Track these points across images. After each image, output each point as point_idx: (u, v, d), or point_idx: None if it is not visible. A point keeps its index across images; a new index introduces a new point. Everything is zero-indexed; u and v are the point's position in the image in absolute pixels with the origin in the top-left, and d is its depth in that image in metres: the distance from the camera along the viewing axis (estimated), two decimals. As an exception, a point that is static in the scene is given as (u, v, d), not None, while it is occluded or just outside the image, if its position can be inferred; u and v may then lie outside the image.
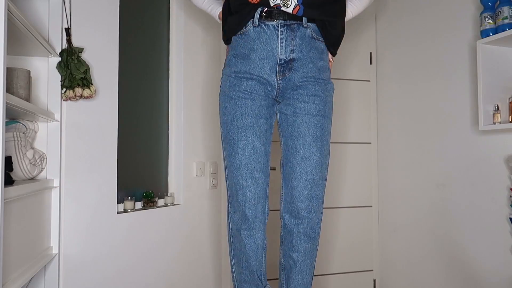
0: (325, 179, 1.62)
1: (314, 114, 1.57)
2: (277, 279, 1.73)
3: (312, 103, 1.57)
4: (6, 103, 1.13)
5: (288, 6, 1.50)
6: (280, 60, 1.53)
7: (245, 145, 1.56)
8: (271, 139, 1.63)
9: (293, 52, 1.53)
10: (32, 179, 1.50)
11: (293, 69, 1.55)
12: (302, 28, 1.53)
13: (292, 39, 1.53)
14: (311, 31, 1.55)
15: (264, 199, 1.61)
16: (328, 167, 1.62)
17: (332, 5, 1.56)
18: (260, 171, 1.58)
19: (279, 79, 1.56)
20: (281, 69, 1.55)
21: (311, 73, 1.57)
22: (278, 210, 1.67)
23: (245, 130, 1.56)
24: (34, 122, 1.54)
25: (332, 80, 1.65)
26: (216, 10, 1.68)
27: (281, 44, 1.53)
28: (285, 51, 1.53)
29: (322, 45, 1.59)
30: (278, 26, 1.52)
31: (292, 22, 1.52)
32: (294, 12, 1.50)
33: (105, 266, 1.75)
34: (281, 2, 1.50)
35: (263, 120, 1.58)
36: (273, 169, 1.70)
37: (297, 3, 1.50)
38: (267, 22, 1.52)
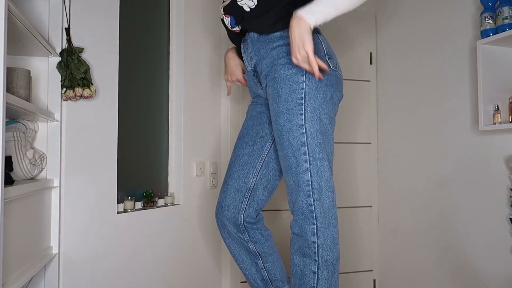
0: (304, 185, 1.37)
1: (273, 117, 1.43)
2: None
3: (271, 106, 1.43)
4: (6, 103, 1.13)
5: (227, 25, 1.55)
6: (251, 72, 1.56)
7: None
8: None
9: (252, 59, 1.53)
10: (32, 179, 1.50)
11: (261, 74, 1.50)
12: (250, 34, 1.52)
13: (247, 48, 1.54)
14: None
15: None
16: (306, 169, 1.36)
17: (263, 16, 1.45)
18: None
19: (261, 88, 1.56)
20: (257, 79, 1.56)
21: (266, 71, 1.45)
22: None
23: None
24: (34, 122, 1.54)
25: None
26: None
27: (245, 58, 1.56)
28: (248, 63, 1.55)
29: (277, 33, 1.42)
30: (241, 43, 1.58)
31: (244, 35, 1.55)
32: (237, 31, 1.55)
33: (105, 266, 1.75)
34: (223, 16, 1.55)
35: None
36: None
37: (231, 24, 1.54)
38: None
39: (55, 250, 1.58)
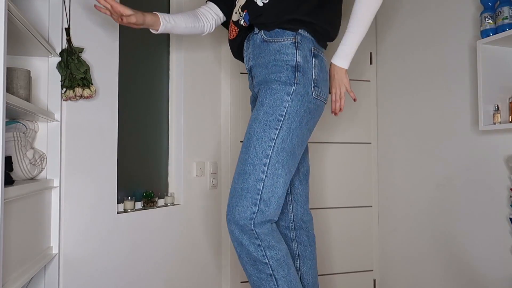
0: (254, 192, 1.38)
1: (250, 121, 1.47)
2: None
3: (253, 110, 1.50)
4: (6, 103, 1.13)
5: (240, 20, 1.57)
6: (248, 70, 1.60)
7: None
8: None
9: (250, 61, 1.57)
10: (32, 179, 1.50)
11: (255, 76, 1.55)
12: (254, 35, 1.55)
13: (248, 48, 1.58)
14: (261, 35, 1.52)
15: None
16: (261, 179, 1.38)
17: (275, 6, 1.49)
18: None
19: (254, 88, 1.59)
20: (251, 79, 1.60)
21: (259, 78, 1.50)
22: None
23: None
24: (34, 122, 1.54)
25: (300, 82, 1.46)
26: None
27: (245, 56, 1.60)
28: (247, 62, 1.59)
29: (277, 46, 1.48)
30: (244, 40, 1.61)
31: (249, 33, 1.58)
32: (245, 25, 1.56)
33: (105, 266, 1.75)
34: (239, 17, 1.57)
35: None
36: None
37: (244, 19, 1.55)
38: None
39: (55, 250, 1.58)
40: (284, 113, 1.41)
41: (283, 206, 1.61)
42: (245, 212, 1.36)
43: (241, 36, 1.61)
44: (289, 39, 1.47)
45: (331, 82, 1.57)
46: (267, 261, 1.38)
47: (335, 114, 1.59)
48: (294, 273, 1.43)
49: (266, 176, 1.38)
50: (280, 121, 1.40)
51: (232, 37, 1.64)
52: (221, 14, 1.74)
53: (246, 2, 1.54)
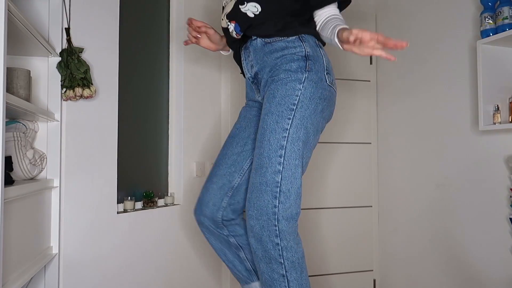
0: (273, 185, 1.36)
1: (262, 115, 1.43)
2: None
3: (264, 105, 1.44)
4: (6, 103, 1.13)
5: (231, 32, 1.52)
6: (249, 79, 1.56)
7: None
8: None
9: (253, 67, 1.52)
10: (32, 179, 1.50)
11: (260, 82, 1.51)
12: (252, 41, 1.50)
13: (248, 56, 1.53)
14: (261, 39, 1.47)
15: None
16: (278, 171, 1.36)
17: (268, 22, 1.46)
18: None
19: (259, 96, 1.56)
20: (255, 87, 1.56)
21: (266, 79, 1.47)
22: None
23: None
24: (34, 122, 1.54)
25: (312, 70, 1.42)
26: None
27: (245, 65, 1.55)
28: (248, 70, 1.54)
29: (282, 43, 1.44)
30: (241, 49, 1.55)
31: (244, 42, 1.53)
32: (237, 36, 1.52)
33: (105, 266, 1.75)
34: (227, 25, 1.53)
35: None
36: None
37: (235, 31, 1.51)
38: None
39: (55, 250, 1.58)
40: (296, 102, 1.37)
41: (214, 207, 1.57)
42: (267, 207, 1.34)
43: (234, 45, 1.58)
44: (293, 37, 1.44)
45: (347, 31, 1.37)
46: (282, 261, 1.36)
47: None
48: (306, 277, 1.42)
49: (283, 167, 1.35)
50: (293, 110, 1.36)
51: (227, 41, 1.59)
52: None
53: (232, 10, 1.48)
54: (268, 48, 1.47)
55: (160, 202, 2.08)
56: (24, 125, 1.48)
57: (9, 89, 1.38)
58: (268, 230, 1.35)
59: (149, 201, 1.98)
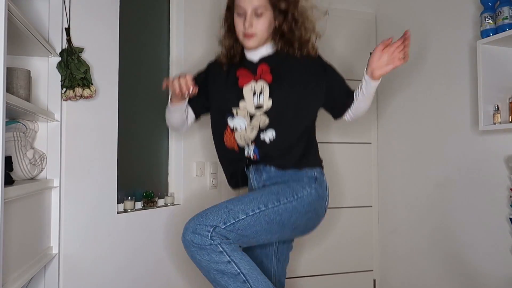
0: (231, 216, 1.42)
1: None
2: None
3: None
4: (6, 103, 1.13)
5: (248, 152, 1.58)
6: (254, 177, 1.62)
7: None
8: None
9: (261, 182, 1.59)
10: (32, 179, 1.50)
11: (266, 174, 1.58)
12: (267, 168, 1.56)
13: (259, 175, 1.59)
14: (275, 168, 1.56)
15: None
16: (246, 214, 1.44)
17: (287, 154, 1.55)
18: None
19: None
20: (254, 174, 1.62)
21: (277, 180, 1.57)
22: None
23: None
24: (34, 122, 1.54)
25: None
26: None
27: (253, 179, 1.61)
28: (257, 182, 1.60)
29: (295, 172, 1.55)
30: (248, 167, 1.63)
31: (257, 164, 1.59)
32: (254, 158, 1.57)
33: (105, 266, 1.75)
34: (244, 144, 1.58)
35: None
36: None
37: (254, 153, 1.56)
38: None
39: (55, 250, 1.58)
40: (299, 195, 1.47)
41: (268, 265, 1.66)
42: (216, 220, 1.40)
43: (237, 164, 1.63)
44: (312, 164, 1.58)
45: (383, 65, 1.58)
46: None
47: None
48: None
49: (251, 215, 1.40)
50: (293, 197, 1.46)
51: (230, 146, 1.61)
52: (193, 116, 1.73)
53: (256, 134, 1.54)
54: (281, 173, 1.55)
55: (160, 202, 2.07)
56: (24, 125, 1.48)
57: (9, 89, 1.37)
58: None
59: (149, 201, 1.98)
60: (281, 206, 1.43)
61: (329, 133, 2.55)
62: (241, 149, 1.59)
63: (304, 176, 1.53)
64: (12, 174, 1.39)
